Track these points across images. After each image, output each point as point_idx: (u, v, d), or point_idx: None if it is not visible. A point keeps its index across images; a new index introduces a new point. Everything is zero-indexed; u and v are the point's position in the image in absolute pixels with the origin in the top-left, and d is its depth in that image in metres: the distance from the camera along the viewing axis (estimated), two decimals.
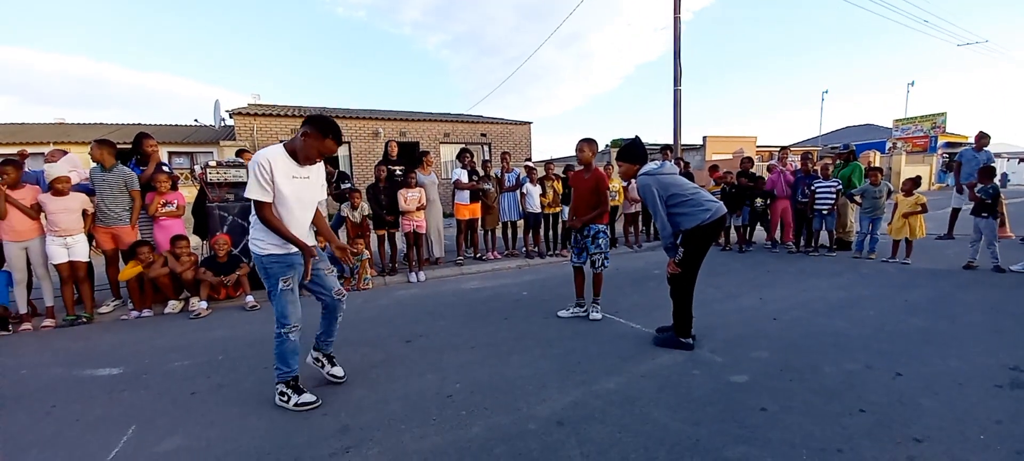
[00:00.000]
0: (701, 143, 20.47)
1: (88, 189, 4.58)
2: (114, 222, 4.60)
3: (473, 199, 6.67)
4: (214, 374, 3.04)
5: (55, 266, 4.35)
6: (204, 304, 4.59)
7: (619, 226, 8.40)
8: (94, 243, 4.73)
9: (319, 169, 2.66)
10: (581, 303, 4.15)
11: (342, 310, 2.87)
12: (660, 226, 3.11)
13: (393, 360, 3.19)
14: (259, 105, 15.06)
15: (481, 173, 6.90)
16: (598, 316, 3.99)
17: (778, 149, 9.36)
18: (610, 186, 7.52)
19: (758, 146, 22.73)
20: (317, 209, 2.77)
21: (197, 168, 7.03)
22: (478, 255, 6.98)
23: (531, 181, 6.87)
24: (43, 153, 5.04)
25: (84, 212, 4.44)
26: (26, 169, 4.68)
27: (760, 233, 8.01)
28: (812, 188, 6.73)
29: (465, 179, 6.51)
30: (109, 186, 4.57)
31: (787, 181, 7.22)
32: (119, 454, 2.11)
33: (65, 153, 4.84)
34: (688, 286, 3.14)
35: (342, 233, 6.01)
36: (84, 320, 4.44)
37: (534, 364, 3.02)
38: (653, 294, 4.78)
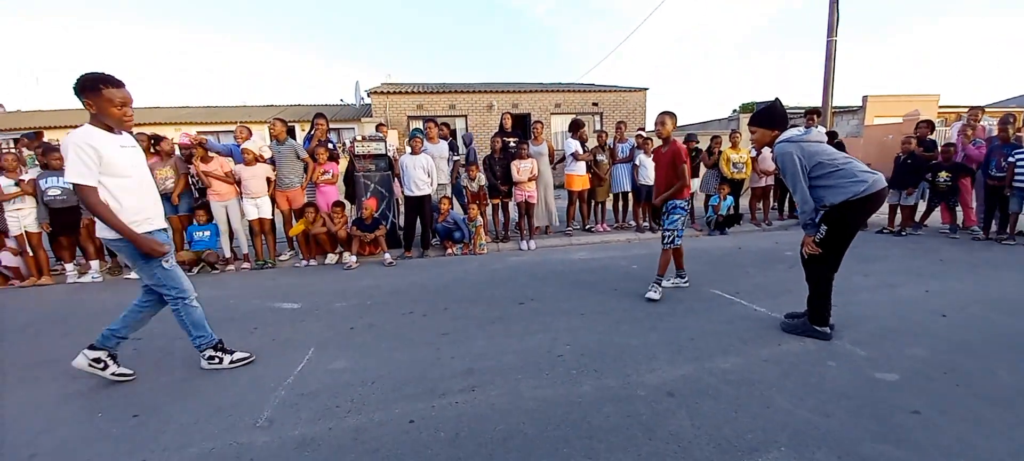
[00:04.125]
0: (859, 105, 17.24)
1: (269, 160, 5.67)
2: (287, 187, 5.64)
3: (587, 170, 6.67)
4: (366, 315, 3.64)
5: (248, 221, 5.53)
6: (354, 258, 5.44)
7: (745, 201, 7.67)
8: (275, 204, 5.87)
9: (128, 137, 2.54)
10: (681, 275, 4.11)
11: (157, 312, 2.71)
12: (800, 200, 2.79)
13: (508, 318, 3.47)
14: (390, 84, 16.66)
15: (593, 144, 6.84)
16: (656, 296, 3.78)
17: (966, 110, 7.53)
18: (730, 159, 6.90)
19: (941, 107, 18.36)
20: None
21: (346, 142, 8.12)
22: (587, 226, 7.01)
23: (645, 152, 6.62)
24: (232, 130, 6.32)
25: (268, 179, 5.52)
26: (220, 143, 5.92)
27: (934, 216, 6.64)
28: (1011, 159, 5.34)
29: (576, 150, 6.52)
30: (283, 157, 5.59)
31: (976, 151, 5.84)
32: (305, 367, 2.71)
33: (251, 132, 6.02)
34: (829, 269, 2.83)
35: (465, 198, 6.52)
36: (269, 265, 5.60)
37: (643, 336, 3.04)
38: (782, 277, 4.36)
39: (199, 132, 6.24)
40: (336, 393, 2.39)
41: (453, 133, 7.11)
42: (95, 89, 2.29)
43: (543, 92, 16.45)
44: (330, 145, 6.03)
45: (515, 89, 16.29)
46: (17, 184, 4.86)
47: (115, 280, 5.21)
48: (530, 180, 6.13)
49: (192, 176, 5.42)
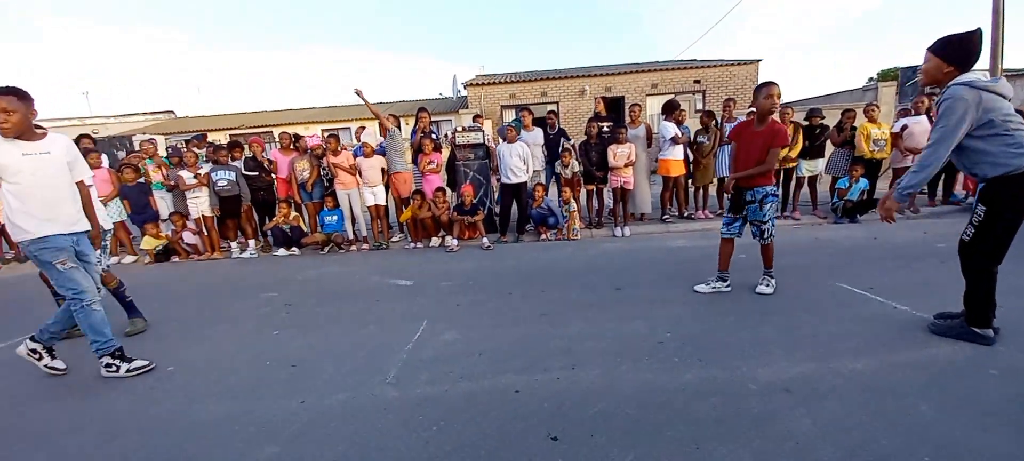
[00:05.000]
0: None
1: (382, 151, 6.28)
2: (398, 171, 6.20)
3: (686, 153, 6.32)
4: (469, 293, 3.92)
5: (367, 207, 6.21)
6: (455, 241, 5.84)
7: (883, 184, 6.65)
8: (388, 191, 6.50)
9: (58, 142, 2.62)
10: (724, 277, 3.60)
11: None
12: (930, 159, 2.33)
13: (604, 303, 3.49)
14: (484, 75, 17.23)
15: (695, 126, 6.43)
16: (769, 290, 3.43)
17: None
18: (871, 134, 6.00)
19: None
20: (84, 188, 2.75)
21: (447, 134, 8.64)
22: (685, 213, 6.65)
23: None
24: (348, 127, 7.10)
25: (382, 169, 6.12)
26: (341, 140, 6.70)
27: None
28: None
29: (675, 133, 6.18)
30: (392, 149, 6.15)
31: None
32: (420, 337, 3.03)
33: (364, 128, 6.73)
34: (991, 260, 2.37)
35: (554, 188, 6.60)
36: (384, 246, 6.24)
37: (754, 329, 2.86)
38: (930, 273, 3.75)
39: (323, 129, 7.15)
40: (449, 361, 2.64)
41: (557, 117, 7.11)
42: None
43: (638, 72, 15.73)
44: (433, 136, 6.48)
45: (608, 71, 15.80)
46: (196, 177, 6.02)
47: (267, 256, 6.22)
48: (627, 165, 5.97)
49: (323, 168, 6.22)
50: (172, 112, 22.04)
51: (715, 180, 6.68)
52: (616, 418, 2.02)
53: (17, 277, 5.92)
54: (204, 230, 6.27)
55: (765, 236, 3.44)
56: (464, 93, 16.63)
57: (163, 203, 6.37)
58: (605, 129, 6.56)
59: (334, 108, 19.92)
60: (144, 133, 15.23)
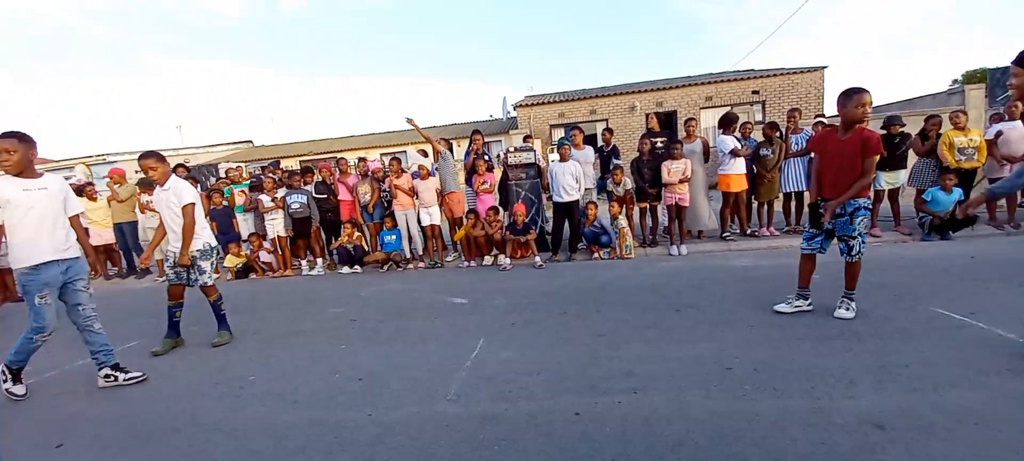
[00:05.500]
0: None
1: (435, 173, 6.53)
2: (451, 190, 6.41)
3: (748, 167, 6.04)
4: (524, 312, 3.93)
5: (423, 227, 6.44)
6: (508, 260, 5.90)
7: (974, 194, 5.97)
8: (442, 211, 6.72)
9: (54, 180, 2.96)
10: (805, 295, 3.33)
11: (88, 330, 3.03)
12: None
13: (665, 324, 3.37)
14: (532, 96, 17.48)
15: (759, 138, 6.14)
16: (849, 314, 3.15)
17: None
18: (954, 143, 5.46)
19: None
20: (76, 221, 3.04)
21: (499, 154, 8.82)
22: (748, 230, 6.32)
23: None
24: (404, 151, 7.43)
25: (438, 191, 6.35)
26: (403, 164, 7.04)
27: None
28: None
29: (734, 146, 5.93)
30: (445, 171, 6.38)
31: None
32: (478, 354, 3.08)
33: (425, 154, 7.04)
34: None
35: (605, 205, 6.53)
36: (439, 265, 6.43)
37: (835, 356, 2.64)
38: None
39: (382, 153, 7.57)
40: (508, 380, 2.66)
41: (611, 134, 7.09)
42: None
43: (691, 86, 15.29)
44: (486, 157, 6.66)
45: (659, 86, 15.49)
46: (273, 200, 6.54)
47: (333, 273, 6.60)
48: (682, 181, 5.80)
49: (384, 190, 6.56)
50: (250, 141, 24.16)
51: (780, 195, 6.31)
52: (685, 446, 1.93)
53: (129, 290, 6.68)
54: (278, 249, 6.77)
55: (853, 253, 3.17)
56: (514, 114, 16.94)
57: (244, 224, 6.97)
58: (658, 145, 6.43)
59: (390, 133, 20.99)
60: (227, 162, 16.82)
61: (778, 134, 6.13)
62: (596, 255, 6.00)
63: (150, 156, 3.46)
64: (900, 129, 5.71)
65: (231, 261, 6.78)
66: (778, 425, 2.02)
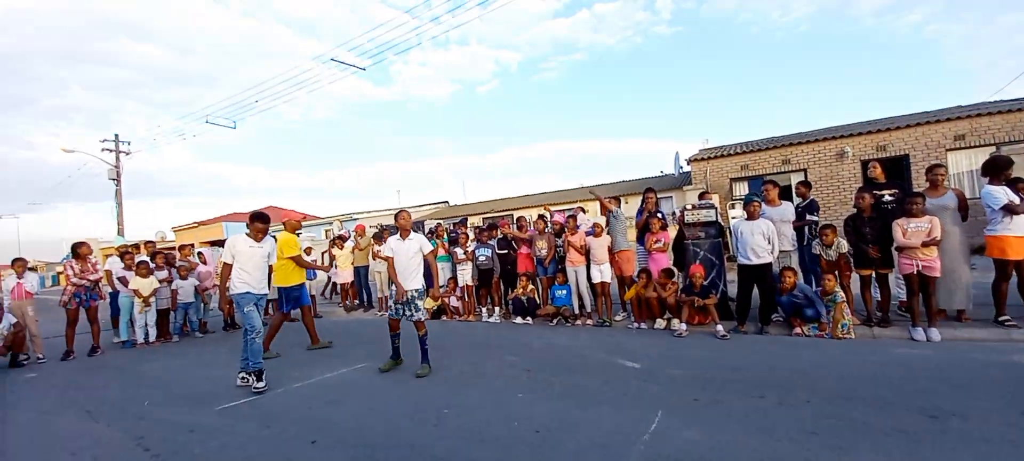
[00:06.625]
0: None
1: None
2: (620, 249, 6.35)
3: None
4: (707, 389, 3.55)
5: (594, 283, 6.50)
6: (684, 326, 5.46)
7: None
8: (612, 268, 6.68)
9: (268, 241, 4.62)
10: None
11: (249, 338, 4.33)
12: None
13: (915, 435, 2.60)
14: (708, 149, 16.38)
15: None
16: None
17: None
18: None
19: None
20: (269, 267, 4.75)
21: (674, 212, 8.47)
22: None
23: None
24: (573, 208, 7.70)
25: (609, 248, 6.39)
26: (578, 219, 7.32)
27: None
28: None
29: (1009, 202, 4.42)
30: (616, 228, 6.38)
31: None
32: (657, 428, 2.89)
33: (584, 211, 7.23)
34: None
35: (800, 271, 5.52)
36: (607, 324, 6.34)
37: None
38: None
39: (556, 210, 8.07)
40: None
41: (808, 188, 6.16)
42: (250, 221, 4.57)
43: (929, 124, 12.11)
44: (659, 215, 6.45)
45: (880, 127, 12.71)
46: (465, 253, 7.54)
47: (507, 322, 7.14)
48: (927, 245, 4.55)
49: (558, 246, 6.92)
50: (447, 201, 28.62)
51: None
52: None
53: (354, 320, 8.46)
54: (465, 297, 7.70)
55: None
56: (687, 169, 16.09)
57: (442, 272, 8.17)
58: (886, 199, 5.25)
59: (561, 191, 22.21)
60: (430, 219, 20.21)
61: None
62: (798, 330, 5.07)
63: (404, 211, 4.69)
64: None
65: (428, 303, 7.97)
66: None
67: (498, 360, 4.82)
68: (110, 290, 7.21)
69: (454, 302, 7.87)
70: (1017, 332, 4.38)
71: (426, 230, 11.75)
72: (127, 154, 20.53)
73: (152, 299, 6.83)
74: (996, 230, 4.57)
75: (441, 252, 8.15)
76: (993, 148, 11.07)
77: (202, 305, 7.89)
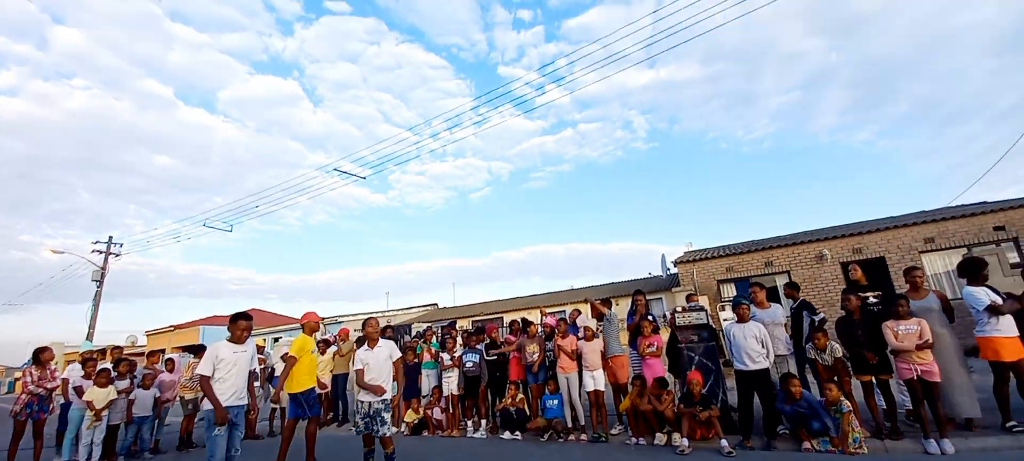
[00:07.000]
0: None
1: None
2: (614, 354, 6.13)
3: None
4: None
5: (587, 393, 6.15)
6: (686, 441, 5.07)
7: None
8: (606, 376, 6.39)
9: (251, 344, 4.35)
10: None
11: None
12: None
13: None
14: (693, 251, 16.80)
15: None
16: None
17: None
18: None
19: None
20: (252, 376, 4.48)
21: (665, 314, 8.40)
22: None
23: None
24: (563, 310, 7.60)
25: (602, 354, 6.18)
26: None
27: None
28: None
29: (992, 301, 4.48)
30: (608, 332, 6.23)
31: None
32: None
33: (579, 313, 7.14)
34: None
35: (810, 375, 5.34)
36: (603, 439, 5.88)
37: None
38: None
39: (542, 312, 7.92)
40: None
41: (796, 290, 6.20)
42: (232, 322, 4.26)
43: (901, 227, 12.73)
44: (650, 318, 6.36)
45: (854, 231, 13.30)
46: (452, 358, 7.20)
47: (494, 438, 6.59)
48: (921, 348, 4.48)
49: (549, 350, 6.67)
50: (436, 304, 28.13)
51: None
52: None
53: (328, 436, 7.75)
54: (450, 408, 7.19)
55: None
56: (674, 271, 16.31)
57: (427, 380, 7.70)
58: (871, 300, 5.28)
59: (550, 293, 22.09)
60: (417, 322, 19.65)
61: None
62: (807, 445, 4.73)
63: (372, 319, 4.60)
64: None
65: (410, 416, 7.40)
66: None
67: None
68: (62, 401, 6.64)
69: (437, 415, 7.32)
70: None
71: (414, 334, 11.36)
72: (117, 256, 20.24)
73: (105, 412, 6.23)
74: (985, 332, 4.56)
75: (427, 358, 7.79)
76: (964, 250, 11.53)
77: (157, 421, 7.20)
